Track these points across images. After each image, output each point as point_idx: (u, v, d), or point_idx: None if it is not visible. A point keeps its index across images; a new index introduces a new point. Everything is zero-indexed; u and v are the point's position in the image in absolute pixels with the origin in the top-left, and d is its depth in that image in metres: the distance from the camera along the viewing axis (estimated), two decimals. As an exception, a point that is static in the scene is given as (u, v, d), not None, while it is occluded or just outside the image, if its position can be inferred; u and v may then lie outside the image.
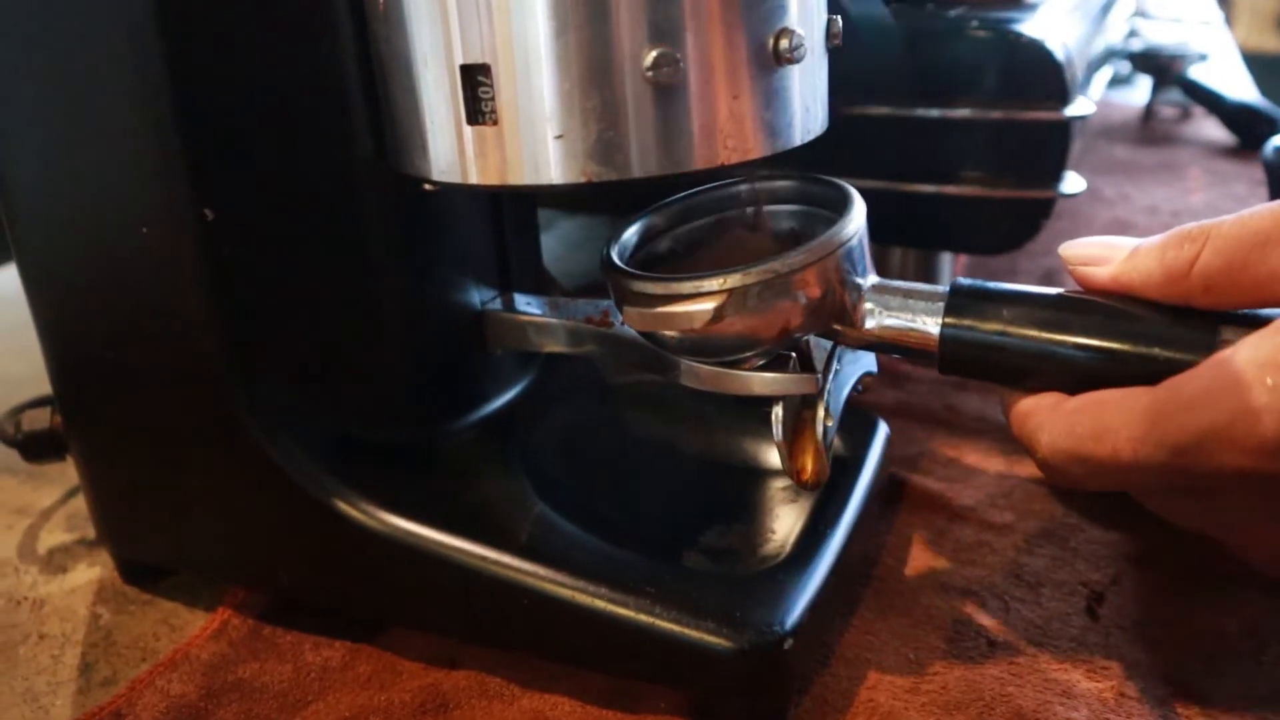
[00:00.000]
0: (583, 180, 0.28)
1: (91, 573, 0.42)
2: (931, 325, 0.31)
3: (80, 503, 0.46)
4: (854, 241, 0.32)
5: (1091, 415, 0.29)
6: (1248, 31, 1.80)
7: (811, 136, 0.31)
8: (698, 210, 0.36)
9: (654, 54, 0.26)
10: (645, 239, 0.36)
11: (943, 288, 0.32)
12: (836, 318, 0.32)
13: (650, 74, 0.26)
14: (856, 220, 0.32)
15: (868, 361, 0.36)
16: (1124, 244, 0.31)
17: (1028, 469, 0.44)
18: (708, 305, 0.30)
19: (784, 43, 0.28)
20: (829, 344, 0.34)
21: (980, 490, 0.43)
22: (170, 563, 0.40)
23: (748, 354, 0.32)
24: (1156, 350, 0.29)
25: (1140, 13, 1.17)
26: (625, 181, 0.28)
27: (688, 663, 0.30)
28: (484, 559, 0.32)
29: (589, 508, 0.35)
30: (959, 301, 0.31)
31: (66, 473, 0.46)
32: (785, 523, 0.36)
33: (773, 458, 0.40)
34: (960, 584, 0.38)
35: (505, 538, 0.32)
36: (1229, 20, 1.44)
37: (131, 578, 0.41)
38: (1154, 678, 0.33)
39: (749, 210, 0.36)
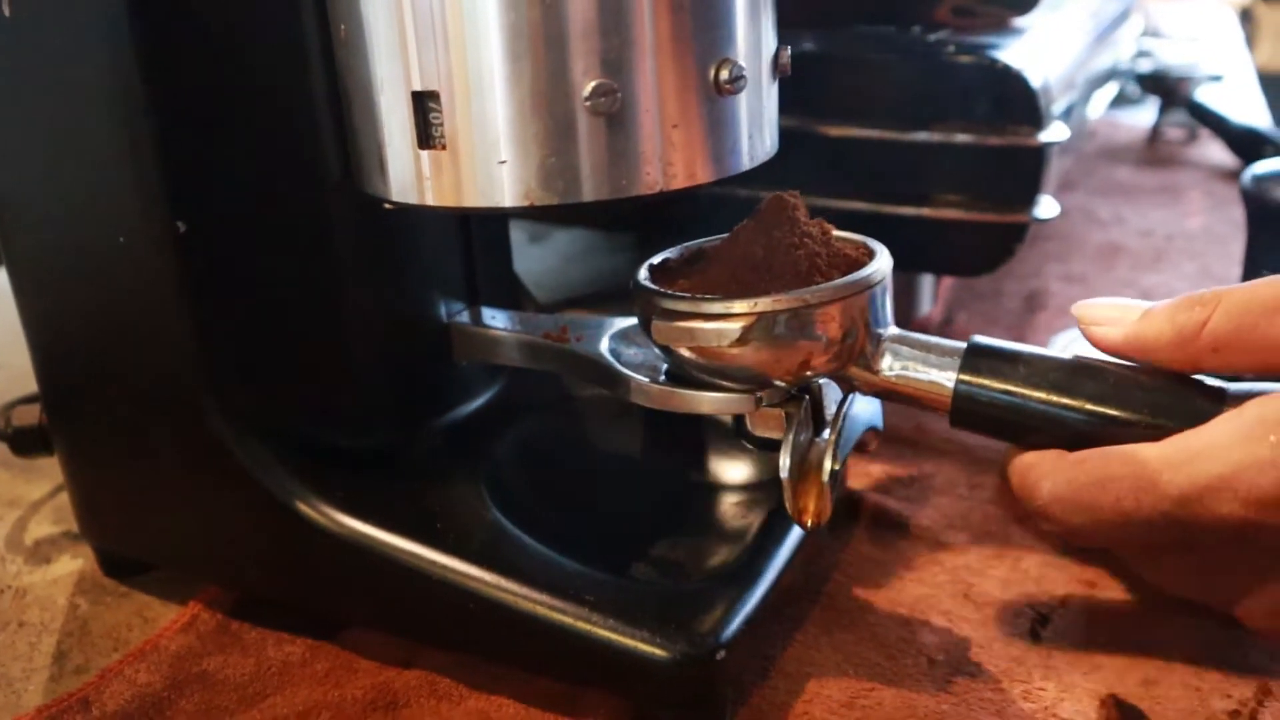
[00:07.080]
0: (527, 204, 0.29)
1: (74, 564, 0.44)
2: (946, 380, 0.32)
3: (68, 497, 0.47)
4: (879, 287, 0.33)
5: (1096, 464, 0.30)
6: (1272, 52, 1.78)
7: (759, 162, 0.32)
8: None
9: (592, 84, 0.27)
10: (682, 262, 0.36)
11: (960, 343, 0.33)
12: (855, 361, 0.33)
13: (589, 104, 0.27)
14: (884, 267, 0.33)
15: (875, 416, 0.37)
16: (1137, 306, 0.32)
17: (989, 492, 0.45)
18: (734, 326, 0.31)
19: (724, 73, 0.29)
20: (841, 393, 0.35)
21: (939, 511, 0.44)
22: (145, 557, 0.41)
23: (765, 387, 0.33)
24: (1163, 421, 0.30)
25: (1153, 32, 1.17)
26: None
27: (624, 670, 0.31)
28: (433, 563, 0.33)
29: (544, 517, 0.36)
30: (975, 360, 0.32)
31: (57, 467, 0.47)
32: (736, 537, 0.37)
33: (731, 474, 0.41)
34: (908, 602, 0.38)
35: (457, 543, 0.34)
36: (1250, 40, 1.43)
37: (111, 570, 0.42)
38: (1089, 700, 0.34)
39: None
